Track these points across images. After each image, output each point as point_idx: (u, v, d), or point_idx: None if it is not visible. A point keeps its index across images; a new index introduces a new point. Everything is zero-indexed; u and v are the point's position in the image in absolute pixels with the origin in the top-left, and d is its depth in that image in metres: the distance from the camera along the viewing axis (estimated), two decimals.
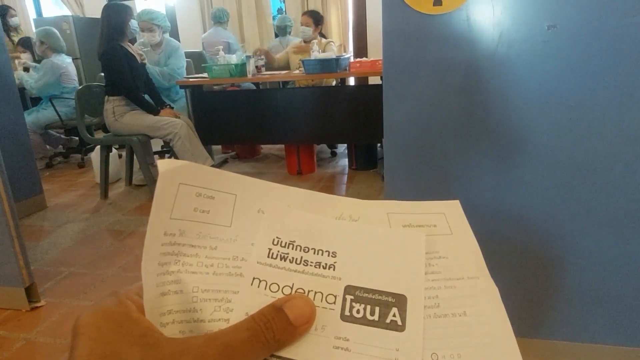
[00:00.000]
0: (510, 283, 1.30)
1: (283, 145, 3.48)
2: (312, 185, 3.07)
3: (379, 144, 3.31)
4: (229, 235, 0.28)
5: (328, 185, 3.06)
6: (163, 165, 0.27)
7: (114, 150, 3.29)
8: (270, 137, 3.27)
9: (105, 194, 3.04)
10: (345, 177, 3.25)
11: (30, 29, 5.88)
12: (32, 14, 6.22)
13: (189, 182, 0.28)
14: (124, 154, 3.46)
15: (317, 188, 3.00)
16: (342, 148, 3.94)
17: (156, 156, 3.79)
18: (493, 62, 1.13)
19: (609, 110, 1.10)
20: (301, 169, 3.29)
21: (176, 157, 3.08)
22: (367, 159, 3.32)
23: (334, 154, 3.85)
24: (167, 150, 3.82)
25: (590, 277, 1.23)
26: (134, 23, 2.93)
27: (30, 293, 1.78)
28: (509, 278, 1.29)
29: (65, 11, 5.98)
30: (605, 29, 1.05)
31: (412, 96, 1.20)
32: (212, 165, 3.04)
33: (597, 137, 1.12)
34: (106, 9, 2.86)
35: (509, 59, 1.12)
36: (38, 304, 1.78)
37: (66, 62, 3.79)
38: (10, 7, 4.81)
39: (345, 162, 3.61)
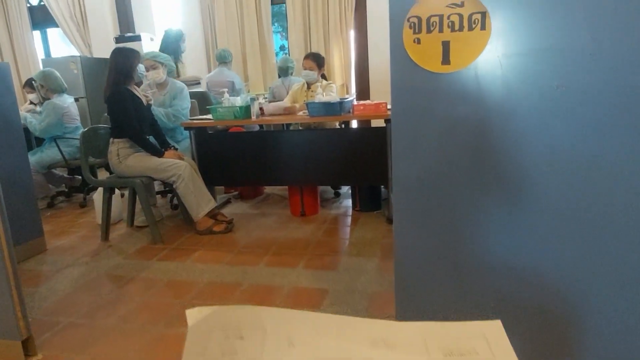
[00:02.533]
0: (524, 343, 1.25)
1: (286, 185, 3.48)
2: (316, 227, 3.04)
3: (382, 186, 3.30)
4: None
5: (332, 228, 3.02)
6: (192, 316, 0.25)
7: (116, 191, 3.27)
8: (274, 178, 3.26)
9: (106, 236, 3.00)
10: (349, 218, 3.22)
11: (39, 70, 6.00)
12: (40, 54, 6.37)
13: (217, 328, 0.26)
14: (126, 193, 3.46)
15: (322, 230, 2.97)
16: (345, 188, 3.94)
17: (158, 196, 3.78)
18: (502, 119, 1.13)
19: (622, 168, 1.08)
20: (305, 210, 3.27)
21: (179, 199, 3.07)
22: (371, 200, 3.30)
23: (337, 195, 3.84)
24: (169, 191, 3.81)
25: (609, 339, 1.18)
26: (141, 67, 2.99)
27: (27, 346, 1.72)
28: (523, 338, 1.24)
29: (73, 51, 6.12)
30: (615, 89, 1.05)
31: (421, 152, 1.19)
32: (215, 207, 3.02)
33: (611, 194, 1.10)
34: (115, 53, 2.92)
35: (519, 116, 1.12)
36: (34, 358, 1.71)
37: (68, 102, 3.83)
38: None
39: (348, 202, 3.59)
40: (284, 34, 9.15)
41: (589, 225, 1.13)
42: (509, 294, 1.23)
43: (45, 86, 3.76)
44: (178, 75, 4.63)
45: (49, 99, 3.78)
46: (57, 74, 3.83)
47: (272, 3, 5.56)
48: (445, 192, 1.21)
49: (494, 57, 1.09)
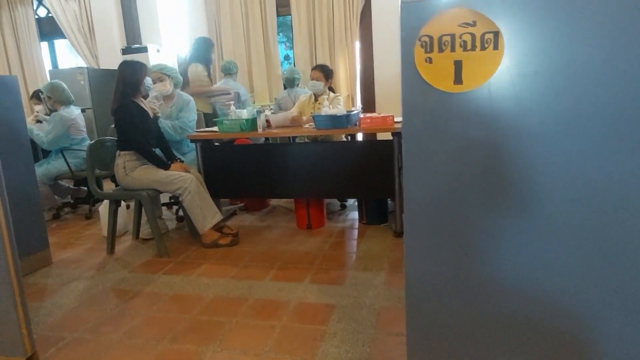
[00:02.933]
0: None
1: (292, 198, 3.46)
2: (322, 240, 3.02)
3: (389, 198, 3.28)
4: None
5: (339, 241, 3.00)
6: None
7: (122, 203, 3.27)
8: (280, 191, 3.25)
9: (111, 249, 2.99)
10: (356, 231, 3.20)
11: (46, 81, 6.05)
12: (48, 65, 6.42)
13: None
14: (131, 204, 3.45)
15: (328, 244, 2.94)
16: (352, 200, 3.91)
17: (164, 207, 3.78)
18: (516, 139, 1.11)
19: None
20: (311, 223, 3.25)
21: (185, 211, 3.06)
22: (377, 213, 3.28)
23: (343, 207, 3.82)
24: (175, 203, 3.81)
25: None
26: (148, 80, 3.00)
27: None
28: None
29: (80, 62, 6.17)
30: (630, 108, 1.03)
31: (433, 171, 1.18)
32: (220, 220, 3.01)
33: (630, 215, 1.08)
34: (122, 66, 2.93)
35: (533, 136, 1.10)
36: None
37: (74, 113, 3.85)
38: None
39: (355, 215, 3.57)
40: (288, 44, 9.22)
41: (606, 248, 1.11)
42: (523, 316, 1.20)
43: (52, 98, 3.78)
44: (211, 82, 4.48)
45: (56, 110, 3.79)
46: (64, 85, 3.85)
47: (278, 14, 5.59)
48: (458, 212, 1.19)
49: (507, 77, 1.08)
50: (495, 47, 1.07)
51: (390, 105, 4.93)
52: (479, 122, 1.12)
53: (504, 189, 1.14)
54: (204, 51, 4.45)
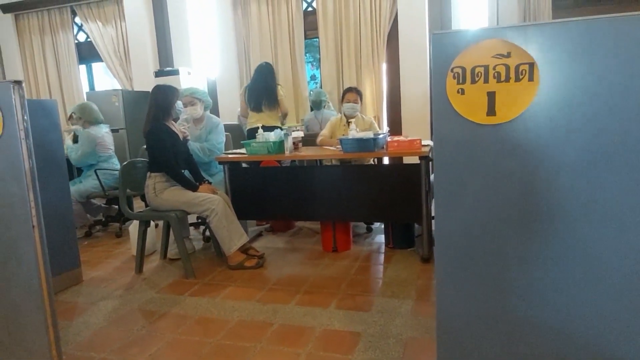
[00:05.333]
0: None
1: (318, 221, 3.45)
2: (348, 264, 2.98)
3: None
4: None
5: (365, 265, 2.96)
6: None
7: (151, 223, 3.33)
8: (307, 213, 3.25)
9: (140, 269, 3.04)
10: (382, 256, 3.15)
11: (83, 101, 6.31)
12: (85, 87, 6.69)
13: None
14: (160, 223, 3.51)
15: (354, 268, 2.91)
16: (378, 223, 3.87)
17: (191, 227, 3.82)
18: (552, 173, 1.08)
19: None
20: (337, 246, 3.22)
21: (211, 232, 3.08)
22: (404, 237, 3.22)
23: (369, 230, 3.77)
24: (202, 223, 3.85)
25: None
26: (179, 104, 3.07)
27: None
28: None
29: (115, 83, 6.41)
30: None
31: (465, 204, 1.15)
32: (247, 241, 3.02)
33: None
34: (155, 90, 3.02)
35: (571, 169, 1.06)
36: None
37: (102, 132, 3.99)
38: None
39: (381, 238, 3.52)
40: (314, 64, 9.32)
41: None
42: (559, 357, 1.14)
43: (82, 118, 3.93)
44: (281, 110, 4.34)
45: (85, 129, 3.95)
46: (93, 106, 4.02)
47: (306, 37, 5.68)
48: (491, 244, 1.15)
49: (543, 109, 1.05)
50: (531, 79, 1.04)
51: (417, 127, 4.89)
52: (513, 154, 1.09)
53: (540, 223, 1.10)
54: (270, 77, 4.32)
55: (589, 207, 1.06)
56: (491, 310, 1.19)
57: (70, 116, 4.41)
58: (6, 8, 6.62)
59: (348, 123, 3.67)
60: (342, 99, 3.73)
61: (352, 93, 3.65)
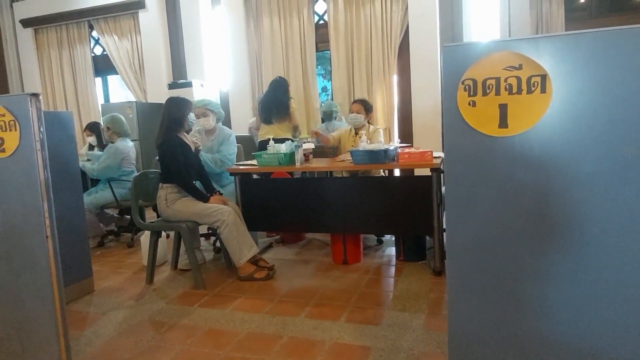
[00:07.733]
0: None
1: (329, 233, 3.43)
2: (358, 276, 2.96)
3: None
4: None
5: (375, 278, 2.93)
6: None
7: (162, 233, 3.35)
8: (317, 225, 3.24)
9: (151, 279, 3.05)
10: (393, 269, 3.12)
11: (98, 114, 6.42)
12: (100, 99, 6.81)
13: None
14: (171, 234, 3.52)
15: (364, 281, 2.88)
16: (388, 235, 3.84)
17: (202, 238, 3.84)
18: (566, 185, 1.06)
19: None
20: (347, 258, 3.20)
21: (222, 243, 3.09)
22: (415, 250, 3.19)
23: (380, 242, 3.75)
24: (213, 234, 3.86)
25: None
26: (191, 115, 3.11)
27: None
28: None
29: (130, 95, 6.52)
30: None
31: (477, 217, 1.13)
32: (257, 253, 3.01)
33: None
34: (168, 102, 3.06)
35: (584, 182, 1.04)
36: None
37: (129, 146, 4.04)
38: None
39: (392, 251, 3.49)
40: (326, 76, 9.38)
41: None
42: None
43: (111, 129, 3.99)
44: (292, 122, 4.36)
45: (112, 141, 4.00)
46: (124, 119, 4.08)
47: (317, 50, 5.73)
48: (504, 257, 1.14)
49: (555, 121, 1.04)
50: (543, 91, 1.03)
51: (428, 139, 4.87)
52: (526, 166, 1.08)
53: (552, 236, 1.08)
54: (284, 91, 4.38)
55: (605, 220, 1.04)
56: (504, 325, 1.16)
57: (86, 128, 4.50)
58: (26, 23, 6.81)
59: (356, 134, 3.69)
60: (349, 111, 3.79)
61: (356, 104, 3.71)
